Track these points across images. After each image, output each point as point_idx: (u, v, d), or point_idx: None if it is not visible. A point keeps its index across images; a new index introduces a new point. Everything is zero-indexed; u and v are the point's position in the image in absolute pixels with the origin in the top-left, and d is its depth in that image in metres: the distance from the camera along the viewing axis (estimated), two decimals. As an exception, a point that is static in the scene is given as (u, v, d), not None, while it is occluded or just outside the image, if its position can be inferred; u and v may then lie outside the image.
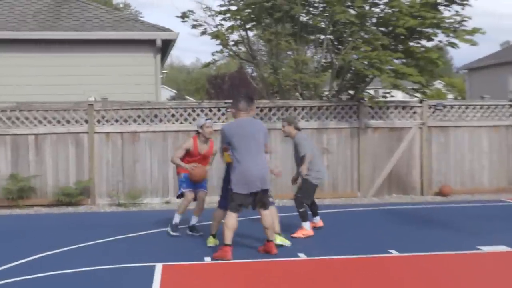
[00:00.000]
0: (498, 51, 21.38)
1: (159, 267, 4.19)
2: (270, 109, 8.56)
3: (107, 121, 8.03)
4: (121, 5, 27.47)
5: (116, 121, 8.06)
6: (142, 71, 9.51)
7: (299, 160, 5.45)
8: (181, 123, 8.18)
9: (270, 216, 4.64)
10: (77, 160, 7.95)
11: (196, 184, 5.53)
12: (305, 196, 5.45)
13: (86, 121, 7.92)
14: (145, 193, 8.05)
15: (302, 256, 4.64)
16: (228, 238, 4.44)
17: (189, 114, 8.20)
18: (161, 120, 8.18)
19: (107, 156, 8.04)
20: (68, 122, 7.93)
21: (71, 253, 4.88)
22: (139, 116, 8.13)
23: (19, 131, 7.80)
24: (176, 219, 5.57)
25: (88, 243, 5.36)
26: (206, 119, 5.74)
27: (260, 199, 4.58)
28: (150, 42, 9.68)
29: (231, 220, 4.48)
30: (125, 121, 8.07)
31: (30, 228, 6.47)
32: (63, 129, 7.88)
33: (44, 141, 7.86)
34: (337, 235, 5.46)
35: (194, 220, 5.66)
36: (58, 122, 7.91)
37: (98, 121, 7.97)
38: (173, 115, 8.16)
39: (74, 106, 7.98)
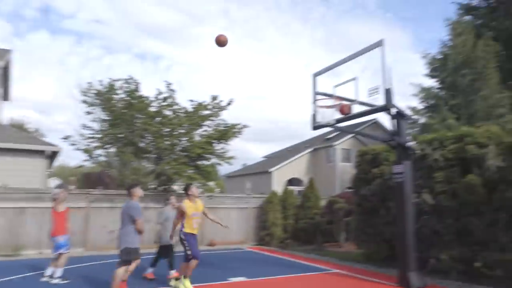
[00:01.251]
0: (240, 168, 34.07)
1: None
2: (117, 195, 12.59)
3: (5, 200, 11.38)
4: (32, 129, 33.35)
5: (12, 200, 11.48)
6: (36, 169, 13.19)
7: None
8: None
9: (119, 271, 5.62)
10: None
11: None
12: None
13: (-9, 199, 11.22)
14: (26, 247, 11.26)
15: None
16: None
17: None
18: (44, 201, 11.72)
19: (2, 223, 11.17)
20: (-22, 200, 11.04)
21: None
22: (27, 197, 11.67)
23: None
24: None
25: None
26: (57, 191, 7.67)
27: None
28: (43, 152, 13.50)
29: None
30: (17, 200, 11.55)
31: None
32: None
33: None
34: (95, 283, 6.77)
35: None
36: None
37: None
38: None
39: (-17, 189, 11.23)
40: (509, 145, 7.31)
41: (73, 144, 13.17)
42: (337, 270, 8.82)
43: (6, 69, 17.30)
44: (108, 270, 7.18)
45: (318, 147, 27.13)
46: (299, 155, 26.85)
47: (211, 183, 14.56)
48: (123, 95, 13.50)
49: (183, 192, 6.68)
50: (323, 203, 15.14)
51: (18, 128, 19.18)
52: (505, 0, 23.95)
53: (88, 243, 12.23)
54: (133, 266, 5.95)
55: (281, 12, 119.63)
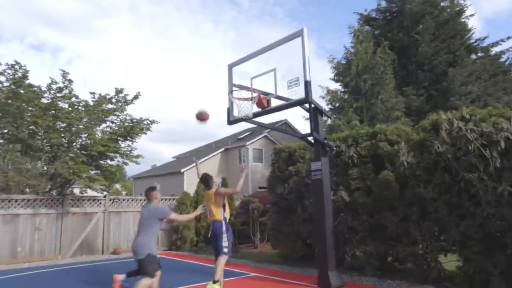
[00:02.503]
0: (150, 169, 32.38)
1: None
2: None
3: None
4: None
5: None
6: None
7: None
8: None
9: (141, 284, 4.74)
10: None
11: None
12: None
13: None
14: None
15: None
16: None
17: None
18: None
19: None
20: None
21: None
22: None
23: None
24: None
25: None
26: None
27: (139, 267, 4.91)
28: None
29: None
30: None
31: None
32: None
33: None
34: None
35: None
36: None
37: None
38: None
39: None
40: (417, 142, 7.41)
41: None
42: (254, 274, 8.24)
43: None
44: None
45: (230, 147, 26.66)
46: (211, 155, 26.10)
47: (117, 185, 13.02)
48: (7, 84, 11.36)
49: (202, 184, 6.68)
50: (237, 203, 14.58)
51: None
52: (399, 14, 26.07)
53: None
54: (158, 277, 5.20)
55: (192, 13, 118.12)
